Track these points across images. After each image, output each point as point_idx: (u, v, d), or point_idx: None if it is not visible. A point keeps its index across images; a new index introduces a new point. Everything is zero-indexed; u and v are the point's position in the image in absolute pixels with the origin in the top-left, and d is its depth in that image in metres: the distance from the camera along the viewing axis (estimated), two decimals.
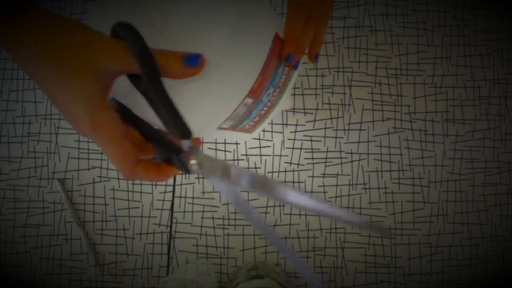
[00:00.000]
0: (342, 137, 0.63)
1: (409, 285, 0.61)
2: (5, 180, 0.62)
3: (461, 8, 0.65)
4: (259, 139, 0.63)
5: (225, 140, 0.63)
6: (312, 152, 0.63)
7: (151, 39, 0.28)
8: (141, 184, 0.62)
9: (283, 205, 0.62)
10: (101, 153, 0.62)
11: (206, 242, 0.61)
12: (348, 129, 0.63)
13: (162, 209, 0.62)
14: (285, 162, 0.62)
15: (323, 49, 0.64)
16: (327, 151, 0.63)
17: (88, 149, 0.63)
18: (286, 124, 0.63)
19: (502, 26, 0.65)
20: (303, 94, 0.64)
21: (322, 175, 0.62)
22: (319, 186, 0.62)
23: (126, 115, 0.31)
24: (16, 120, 0.63)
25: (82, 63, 0.24)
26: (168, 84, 0.28)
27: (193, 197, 0.62)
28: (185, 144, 0.29)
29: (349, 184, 0.62)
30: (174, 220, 0.62)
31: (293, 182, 0.62)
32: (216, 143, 0.63)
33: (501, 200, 0.62)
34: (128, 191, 0.62)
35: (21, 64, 0.24)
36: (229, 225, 0.61)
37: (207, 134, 0.40)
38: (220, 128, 0.39)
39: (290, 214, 0.62)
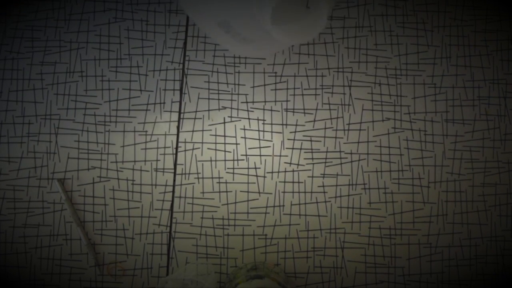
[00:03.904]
0: (342, 137, 0.63)
1: (409, 285, 0.61)
2: (5, 180, 0.62)
3: (461, 8, 0.65)
4: (259, 139, 0.63)
5: (224, 140, 0.63)
6: (312, 152, 0.63)
7: None
8: (140, 184, 0.62)
9: (283, 205, 0.62)
10: (101, 153, 0.63)
11: (206, 242, 0.61)
12: (348, 129, 0.63)
13: (162, 209, 0.62)
14: (285, 162, 0.62)
15: (323, 49, 0.64)
16: (326, 151, 0.63)
17: (88, 149, 0.63)
18: (286, 124, 0.63)
19: (502, 27, 0.65)
20: (302, 95, 0.64)
21: (322, 175, 0.62)
22: (319, 186, 0.62)
23: None
24: (16, 120, 0.63)
25: None
26: None
27: (193, 197, 0.62)
28: None
29: (349, 184, 0.62)
30: (174, 220, 0.62)
31: (293, 182, 0.62)
32: (216, 143, 0.63)
33: (500, 200, 0.62)
34: (127, 191, 0.62)
35: None
36: (228, 225, 0.61)
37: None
38: None
39: (290, 214, 0.62)
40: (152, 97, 0.64)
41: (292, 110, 0.63)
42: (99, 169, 0.62)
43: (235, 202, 0.62)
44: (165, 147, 0.63)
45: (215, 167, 0.62)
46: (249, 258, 0.61)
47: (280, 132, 0.63)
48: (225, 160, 0.62)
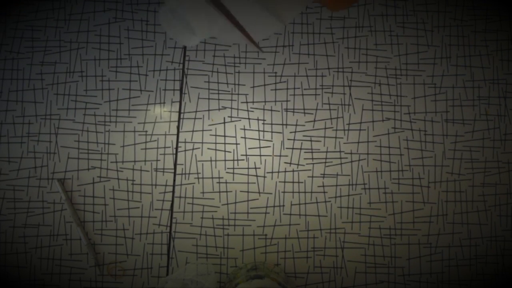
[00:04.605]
0: (342, 137, 0.63)
1: (409, 285, 0.61)
2: (5, 180, 0.62)
3: (460, 8, 0.65)
4: (259, 139, 0.63)
5: (225, 140, 0.63)
6: (311, 152, 0.63)
7: None
8: (140, 184, 0.62)
9: (283, 205, 0.62)
10: (101, 153, 0.63)
11: (206, 242, 0.61)
12: (348, 129, 0.63)
13: (162, 209, 0.62)
14: (285, 162, 0.62)
15: (323, 49, 0.64)
16: (326, 151, 0.63)
17: (88, 149, 0.63)
18: (286, 124, 0.63)
19: (502, 27, 0.65)
20: (302, 94, 0.64)
21: (322, 175, 0.62)
22: (319, 186, 0.62)
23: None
24: (16, 120, 0.63)
25: None
26: None
27: (193, 197, 0.62)
28: None
29: (349, 184, 0.62)
30: (174, 220, 0.62)
31: (293, 182, 0.62)
32: (216, 143, 0.63)
33: (500, 200, 0.62)
34: (127, 191, 0.62)
35: None
36: (228, 225, 0.61)
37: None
38: None
39: (290, 214, 0.62)
40: (152, 97, 0.64)
41: (292, 110, 0.63)
42: (99, 169, 0.62)
43: (235, 202, 0.62)
44: (165, 147, 0.63)
45: (215, 167, 0.62)
46: (249, 258, 0.61)
47: (280, 132, 0.63)
48: (225, 160, 0.62)
